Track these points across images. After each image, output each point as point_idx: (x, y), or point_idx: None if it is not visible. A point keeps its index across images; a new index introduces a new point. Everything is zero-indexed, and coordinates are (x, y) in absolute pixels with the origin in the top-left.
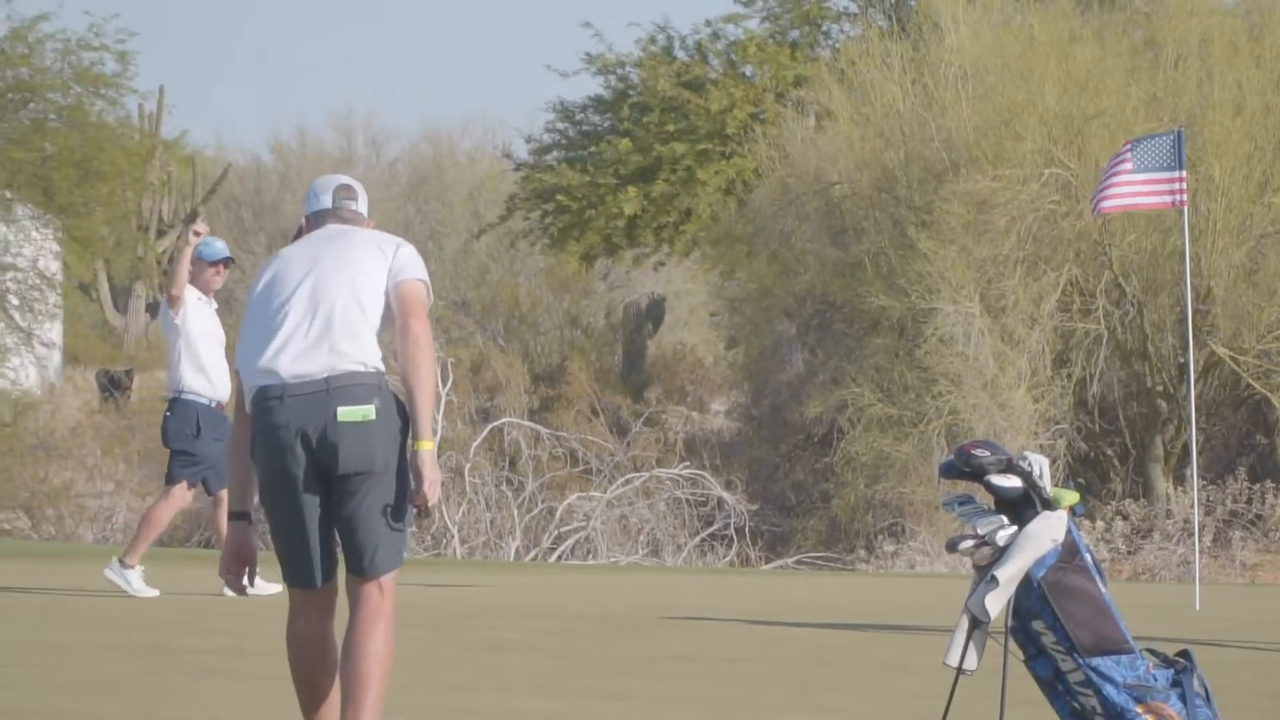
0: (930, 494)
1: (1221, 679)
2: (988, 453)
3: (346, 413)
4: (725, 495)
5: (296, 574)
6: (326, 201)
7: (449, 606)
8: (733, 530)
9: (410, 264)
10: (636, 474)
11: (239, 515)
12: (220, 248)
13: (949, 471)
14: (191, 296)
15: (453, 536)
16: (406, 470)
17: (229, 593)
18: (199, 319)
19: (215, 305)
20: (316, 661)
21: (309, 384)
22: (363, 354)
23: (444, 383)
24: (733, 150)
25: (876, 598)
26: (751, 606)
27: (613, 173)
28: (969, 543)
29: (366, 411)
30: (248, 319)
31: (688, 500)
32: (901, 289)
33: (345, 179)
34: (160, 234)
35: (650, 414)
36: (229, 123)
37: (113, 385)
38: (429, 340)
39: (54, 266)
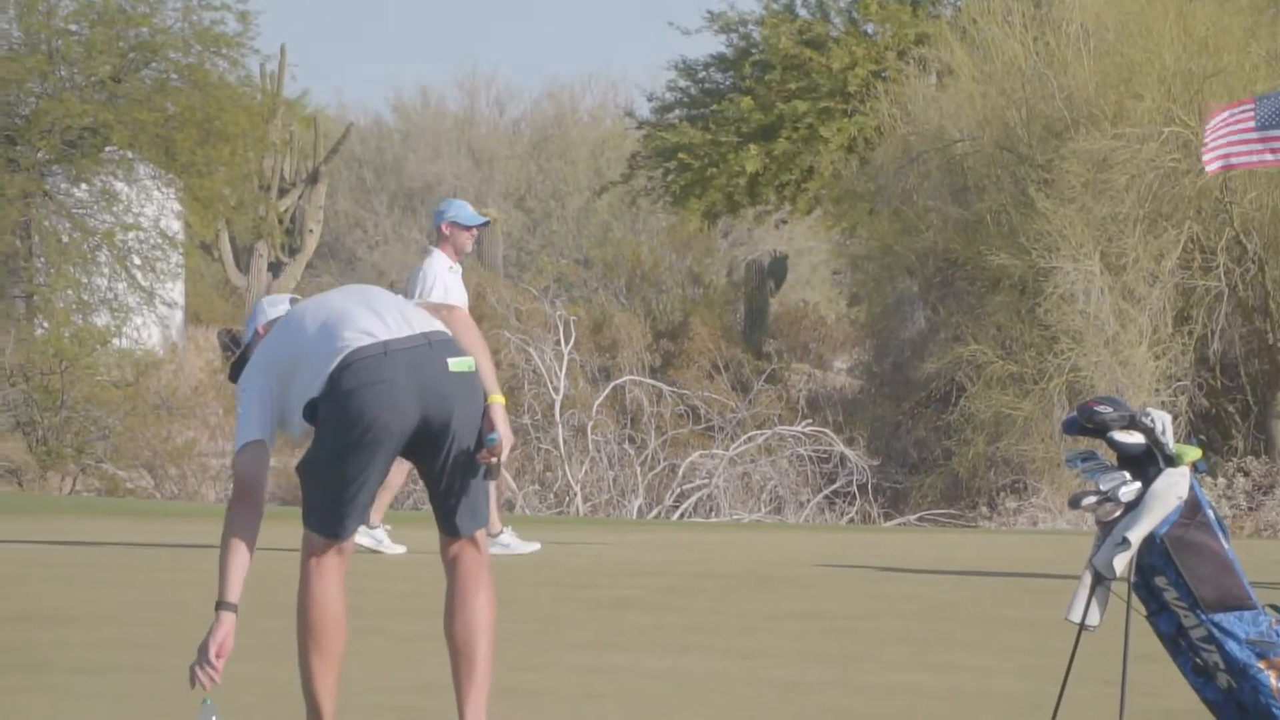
0: (1052, 451)
1: None
2: (1110, 409)
3: (456, 363)
4: (847, 452)
5: (346, 527)
6: (285, 307)
7: (572, 564)
8: (855, 487)
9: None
10: (759, 431)
11: (230, 606)
12: (474, 213)
13: (1071, 428)
14: (443, 266)
15: (575, 495)
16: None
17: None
18: (454, 288)
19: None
20: (339, 617)
21: (410, 339)
22: (436, 323)
23: (566, 341)
24: (854, 108)
25: (999, 554)
26: (874, 563)
27: (734, 131)
28: (1092, 499)
29: (470, 362)
30: (293, 354)
31: (810, 457)
32: (1022, 247)
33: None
34: (282, 193)
35: (772, 371)
36: (351, 82)
37: (235, 344)
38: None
39: (176, 226)
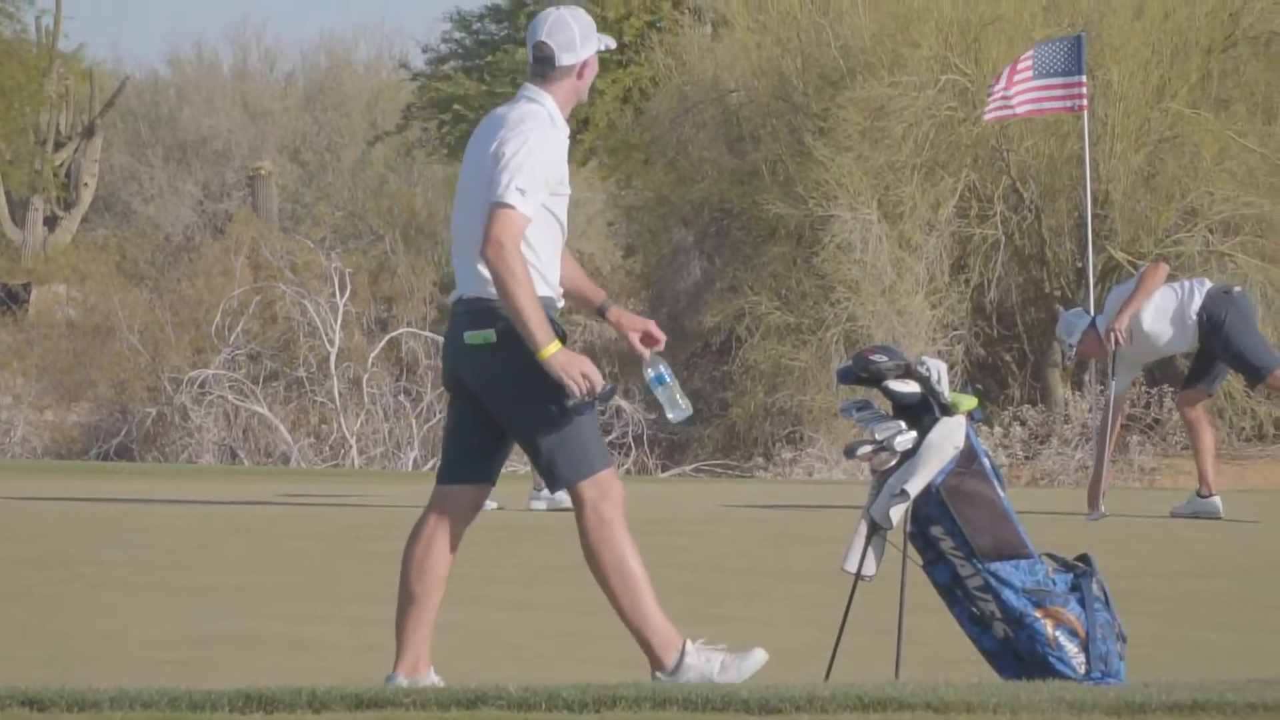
0: (828, 401)
1: (1120, 584)
2: (886, 358)
3: (471, 336)
4: (623, 403)
5: (440, 471)
6: (530, 56)
7: (347, 518)
8: (630, 438)
9: (495, 183)
10: None
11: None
12: None
13: (847, 377)
14: None
15: (351, 447)
16: (540, 387)
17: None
18: None
19: None
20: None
21: (457, 304)
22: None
23: (341, 293)
24: (629, 58)
25: (774, 504)
26: (650, 515)
27: (510, 82)
28: (867, 448)
29: (486, 335)
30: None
31: None
32: (799, 196)
33: (542, 34)
34: (58, 147)
35: None
36: (126, 36)
37: (10, 299)
38: (500, 266)
39: None
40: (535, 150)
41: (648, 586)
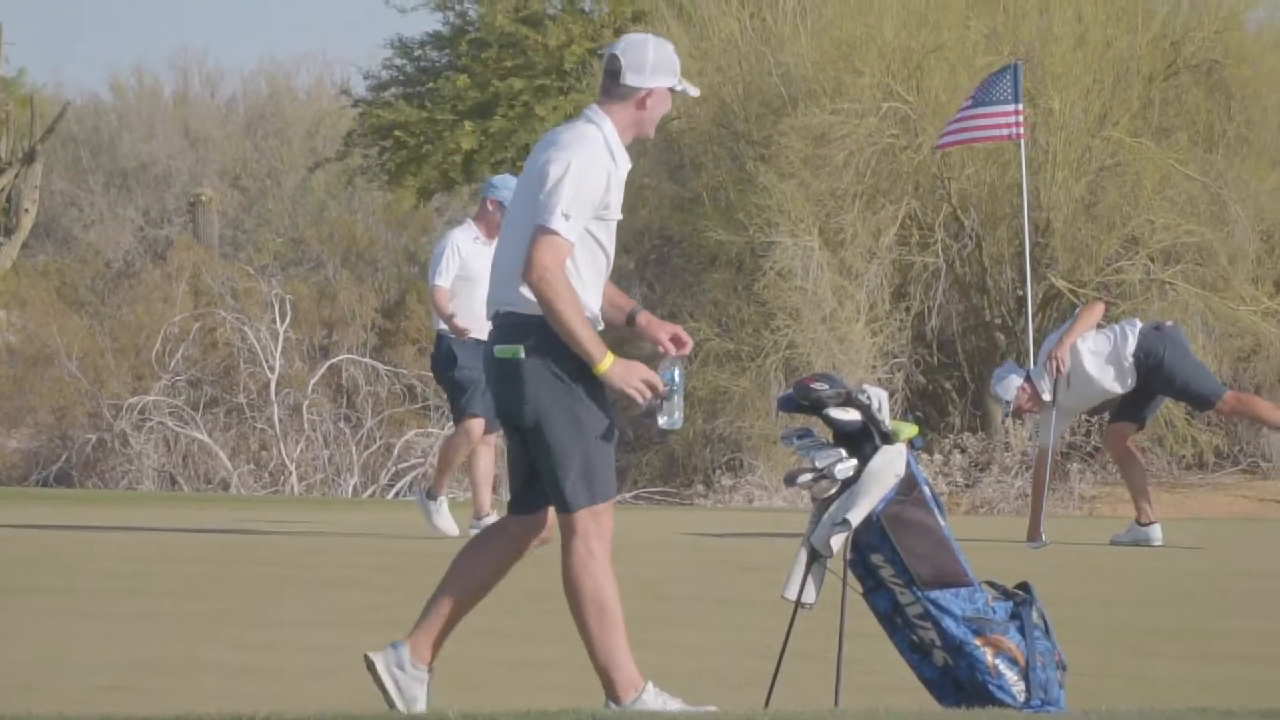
0: (768, 428)
1: (1060, 611)
2: (826, 386)
3: (500, 350)
4: None
5: (510, 501)
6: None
7: (288, 544)
8: None
9: (540, 207)
10: None
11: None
12: None
13: (787, 405)
14: (466, 237)
15: (290, 474)
16: (561, 407)
17: None
18: (476, 259)
19: None
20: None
21: (494, 317)
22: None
23: (282, 320)
24: (570, 86)
25: (714, 532)
26: None
27: (450, 109)
28: (808, 476)
29: (514, 350)
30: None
31: None
32: (740, 223)
33: (617, 50)
34: None
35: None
36: (67, 61)
37: None
38: (545, 290)
39: None
40: (580, 173)
41: (621, 625)
